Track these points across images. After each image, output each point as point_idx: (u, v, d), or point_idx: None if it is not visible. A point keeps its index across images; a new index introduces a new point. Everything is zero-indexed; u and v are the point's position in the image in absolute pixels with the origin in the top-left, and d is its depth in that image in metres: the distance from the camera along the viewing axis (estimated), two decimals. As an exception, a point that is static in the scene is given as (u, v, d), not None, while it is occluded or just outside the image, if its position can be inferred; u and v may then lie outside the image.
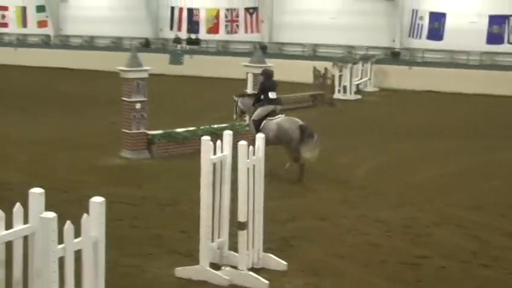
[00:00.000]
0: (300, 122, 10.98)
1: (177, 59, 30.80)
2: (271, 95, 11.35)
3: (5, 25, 37.58)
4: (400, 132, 16.37)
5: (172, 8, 32.70)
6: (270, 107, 11.24)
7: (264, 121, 11.17)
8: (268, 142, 8.30)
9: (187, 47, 32.55)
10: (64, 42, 36.49)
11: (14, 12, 37.00)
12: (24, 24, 37.05)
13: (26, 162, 11.91)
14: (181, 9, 32.58)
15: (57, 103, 19.97)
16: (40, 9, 36.49)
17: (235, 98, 12.26)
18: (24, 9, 36.83)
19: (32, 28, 36.67)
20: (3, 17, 37.55)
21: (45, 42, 36.75)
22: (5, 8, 37.30)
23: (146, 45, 33.51)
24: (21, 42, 37.06)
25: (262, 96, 11.40)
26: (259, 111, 11.29)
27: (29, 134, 14.60)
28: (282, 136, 10.94)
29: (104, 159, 12.24)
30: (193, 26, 32.55)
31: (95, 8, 35.43)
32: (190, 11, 32.42)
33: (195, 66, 29.72)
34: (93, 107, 19.39)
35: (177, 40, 32.87)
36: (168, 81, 26.30)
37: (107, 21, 35.11)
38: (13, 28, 37.22)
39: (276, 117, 11.16)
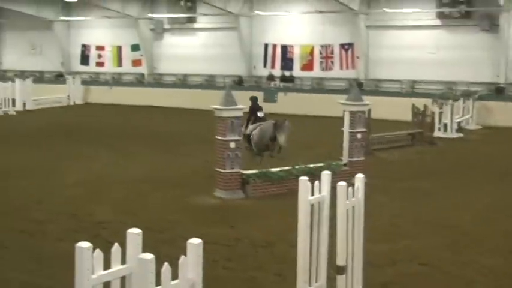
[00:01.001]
0: (274, 121, 14.06)
1: (271, 97, 31.17)
2: (260, 114, 15.18)
3: (102, 64, 39.49)
4: (504, 172, 15.75)
5: (266, 45, 33.20)
6: (257, 124, 14.67)
7: (252, 132, 14.56)
8: (256, 145, 14.07)
9: (281, 84, 32.95)
10: (158, 81, 37.88)
11: (110, 51, 38.88)
12: (119, 63, 38.77)
13: (120, 201, 12.33)
14: (275, 46, 33.06)
15: (151, 141, 20.68)
16: (135, 48, 38.13)
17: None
18: (119, 48, 38.59)
19: (126, 67, 38.35)
20: (100, 56, 39.48)
21: (139, 81, 38.29)
22: (102, 48, 39.25)
23: (239, 82, 34.21)
24: (116, 81, 38.84)
25: (252, 117, 15.04)
26: (250, 127, 14.75)
27: (123, 172, 15.16)
28: (263, 134, 14.18)
29: (197, 198, 12.49)
30: (287, 63, 32.92)
31: (188, 47, 36.75)
32: (284, 48, 32.84)
33: (289, 103, 29.99)
34: (186, 145, 19.92)
35: (271, 77, 33.35)
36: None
37: (200, 59, 36.24)
38: (109, 67, 39.05)
39: (260, 125, 14.54)
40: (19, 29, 43.36)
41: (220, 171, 12.69)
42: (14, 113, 29.37)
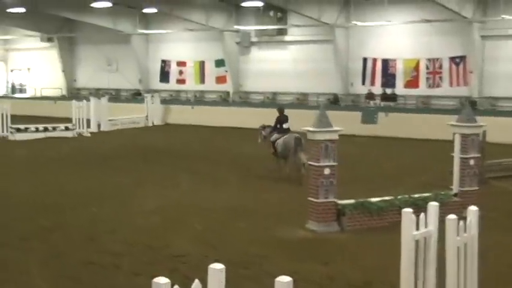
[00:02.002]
0: (296, 135, 17.94)
1: (370, 118, 30.90)
2: (284, 125, 19.13)
3: (183, 81, 40.48)
4: None
5: (365, 60, 33.03)
6: (282, 134, 18.72)
7: (277, 141, 18.77)
8: (280, 155, 18.46)
9: (382, 103, 32.65)
10: (244, 99, 38.42)
11: (192, 67, 39.79)
12: (202, 80, 39.65)
13: (200, 231, 12.49)
14: (375, 61, 32.85)
15: (235, 165, 20.91)
16: (219, 63, 38.86)
17: (260, 128, 20.43)
18: (202, 64, 39.47)
19: (210, 84, 39.14)
20: (181, 73, 40.51)
21: (224, 100, 38.96)
22: (183, 64, 40.23)
23: (335, 101, 34.20)
24: (199, 99, 39.67)
25: (278, 126, 19.19)
26: (275, 136, 19.02)
27: (204, 200, 15.38)
28: (286, 146, 18.22)
29: (286, 230, 12.48)
30: (388, 79, 32.61)
31: (278, 61, 37.11)
32: (386, 62, 32.55)
33: (390, 125, 29.64)
34: (271, 172, 20.00)
35: (370, 96, 33.14)
36: (360, 142, 26.46)
37: (291, 76, 36.53)
38: (190, 84, 39.99)
39: (284, 136, 18.58)
40: (94, 44, 45.18)
41: (313, 201, 12.65)
42: (89, 135, 30.53)
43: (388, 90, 32.98)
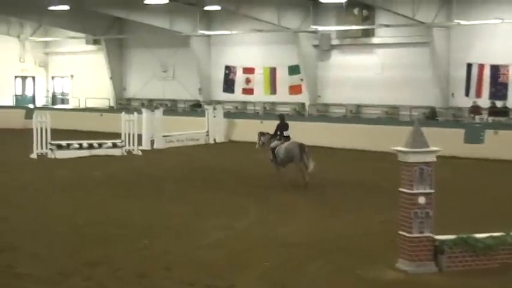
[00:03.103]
0: (299, 143, 21.70)
1: (475, 136, 30.40)
2: (285, 133, 22.71)
3: (250, 91, 40.68)
4: None
5: (469, 66, 32.53)
6: (282, 141, 22.29)
7: (277, 148, 22.07)
8: (281, 162, 21.77)
9: (490, 118, 32.10)
10: (322, 113, 38.36)
11: (262, 74, 39.96)
12: (273, 90, 39.82)
13: (269, 269, 12.48)
14: (481, 67, 32.32)
15: (310, 192, 20.85)
16: (293, 70, 38.93)
17: (259, 134, 23.73)
18: (273, 70, 39.64)
19: (282, 95, 39.22)
20: (248, 81, 40.77)
21: (299, 113, 38.96)
22: (251, 71, 40.46)
23: (432, 116, 33.82)
24: (269, 112, 39.75)
25: (278, 133, 22.76)
26: (275, 143, 22.40)
27: (273, 232, 15.36)
28: (289, 154, 21.62)
29: (372, 270, 12.36)
30: (498, 89, 32.01)
31: (363, 68, 36.93)
32: (495, 68, 31.96)
33: (500, 145, 29.07)
34: (355, 198, 19.90)
35: (475, 109, 32.63)
36: (462, 165, 26.07)
37: (379, 85, 36.33)
38: (259, 95, 40.17)
39: (284, 143, 22.06)
40: (147, 47, 46.00)
41: (405, 235, 12.50)
42: (140, 153, 30.92)
43: (498, 103, 32.38)
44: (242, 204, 18.92)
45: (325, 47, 38.47)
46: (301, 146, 21.52)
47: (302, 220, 16.87)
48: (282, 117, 23.63)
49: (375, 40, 37.26)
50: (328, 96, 38.77)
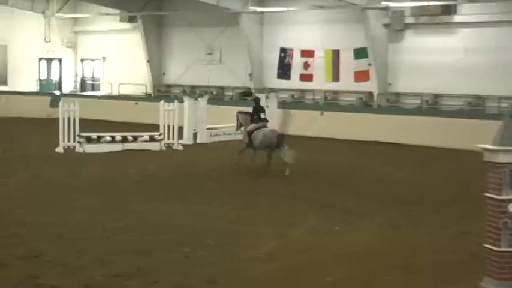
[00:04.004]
0: (279, 132, 24.48)
1: None
2: (262, 115, 25.55)
3: (309, 78, 40.58)
4: None
5: None
6: (260, 124, 25.16)
7: (254, 132, 24.90)
8: (257, 147, 24.84)
9: None
10: (393, 104, 38.15)
11: (323, 58, 39.78)
12: (335, 76, 39.65)
13: (330, 285, 12.44)
14: None
15: (379, 196, 20.74)
16: (360, 53, 38.71)
17: (237, 113, 26.65)
18: (336, 54, 39.47)
19: (346, 82, 39.06)
20: (307, 66, 40.65)
21: (366, 104, 38.80)
22: (310, 53, 40.34)
23: (523, 108, 33.46)
24: (330, 103, 39.67)
25: (255, 116, 25.36)
26: (253, 126, 25.16)
27: (335, 241, 15.30)
28: (266, 142, 24.48)
29: (451, 290, 12.30)
30: None
31: (443, 52, 36.66)
32: None
33: None
34: (430, 204, 19.73)
35: None
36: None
37: (461, 72, 36.05)
38: (320, 82, 40.04)
39: (263, 129, 24.93)
40: (190, 25, 46.30)
41: (491, 249, 12.30)
42: (181, 148, 31.14)
43: None
44: (298, 208, 18.88)
45: (397, 27, 38.18)
46: (281, 136, 24.33)
47: (370, 230, 16.73)
48: (257, 100, 27.17)
49: (456, 18, 36.88)
50: (401, 84, 38.54)
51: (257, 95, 30.00)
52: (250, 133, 25.16)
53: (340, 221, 17.53)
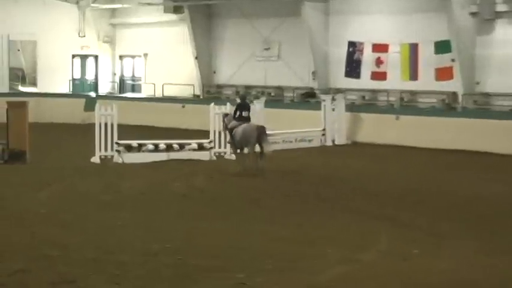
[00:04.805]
0: (258, 125, 27.91)
1: None
2: (244, 113, 27.97)
3: (382, 76, 40.28)
4: None
5: None
6: (241, 122, 27.72)
7: (235, 129, 27.61)
8: (238, 143, 28.00)
9: None
10: (482, 106, 37.75)
11: (399, 53, 39.52)
12: (413, 74, 39.32)
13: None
14: None
15: (466, 215, 20.60)
16: (442, 47, 38.32)
17: (223, 115, 29.65)
18: (414, 48, 39.17)
19: (426, 80, 38.73)
20: (380, 62, 40.42)
21: (449, 106, 38.47)
22: (383, 48, 40.04)
23: None
24: (408, 105, 39.40)
25: (237, 114, 28.02)
26: (233, 123, 27.91)
27: (415, 268, 15.17)
28: (246, 136, 27.10)
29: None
30: None
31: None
32: None
33: None
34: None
35: None
36: None
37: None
38: (394, 81, 39.77)
39: (242, 125, 27.56)
40: (244, 16, 46.33)
41: None
42: (233, 157, 30.92)
43: None
44: (370, 228, 18.77)
45: (487, 16, 37.79)
46: (260, 129, 27.46)
47: (457, 255, 16.54)
48: (242, 97, 30.06)
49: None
50: (491, 83, 38.14)
51: (245, 94, 33.25)
52: (231, 131, 28.11)
53: (419, 244, 17.40)
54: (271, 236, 17.83)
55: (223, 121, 29.28)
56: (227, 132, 28.73)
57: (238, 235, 17.86)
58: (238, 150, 28.33)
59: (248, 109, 28.56)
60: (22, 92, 52.18)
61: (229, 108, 31.39)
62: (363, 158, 32.11)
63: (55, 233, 17.79)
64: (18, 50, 55.30)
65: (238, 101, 29.81)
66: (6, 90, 51.10)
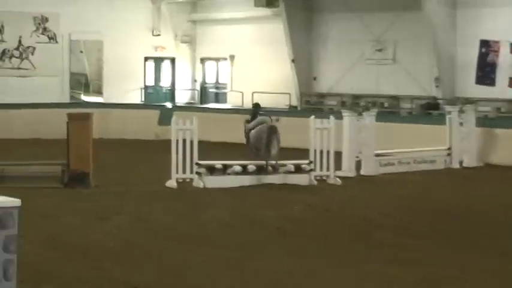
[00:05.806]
0: (270, 125, 30.46)
1: None
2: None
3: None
4: None
5: None
6: (256, 123, 31.18)
7: (251, 131, 30.69)
8: (252, 146, 31.01)
9: None
10: None
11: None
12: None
13: None
14: None
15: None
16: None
17: (245, 123, 32.22)
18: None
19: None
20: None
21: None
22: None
23: None
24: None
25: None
26: (250, 125, 31.30)
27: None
28: (258, 136, 29.88)
29: None
30: None
31: None
32: None
33: None
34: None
35: None
36: None
37: None
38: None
39: (258, 126, 30.77)
40: (351, 10, 46.55)
41: None
42: (338, 182, 31.01)
43: None
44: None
45: None
46: (271, 129, 30.22)
47: None
48: (256, 105, 34.66)
49: None
50: None
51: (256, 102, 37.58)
52: (248, 134, 31.28)
53: None
54: (389, 279, 17.43)
55: (245, 128, 32.07)
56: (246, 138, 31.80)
57: (348, 279, 17.45)
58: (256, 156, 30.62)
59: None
60: (85, 102, 52.78)
61: (333, 122, 31.21)
62: (501, 184, 31.58)
63: (125, 270, 17.71)
64: (81, 52, 55.76)
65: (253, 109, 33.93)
66: (66, 99, 51.75)
